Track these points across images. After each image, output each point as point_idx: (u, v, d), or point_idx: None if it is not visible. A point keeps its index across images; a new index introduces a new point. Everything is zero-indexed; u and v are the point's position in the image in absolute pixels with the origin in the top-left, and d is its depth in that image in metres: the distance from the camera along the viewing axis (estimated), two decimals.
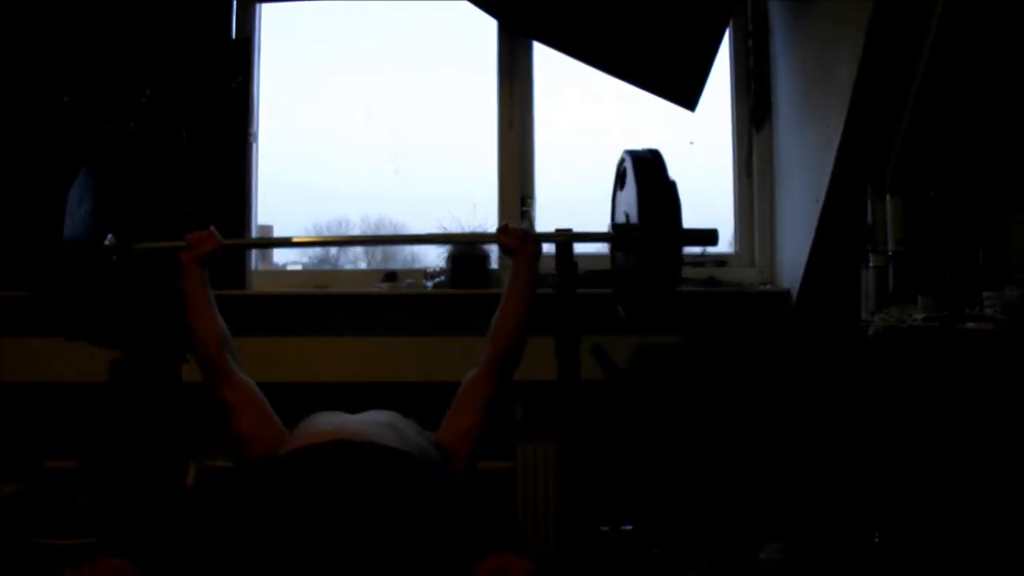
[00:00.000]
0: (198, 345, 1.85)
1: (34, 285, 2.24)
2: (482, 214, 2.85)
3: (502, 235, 1.99)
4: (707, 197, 2.97)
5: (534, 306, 1.92)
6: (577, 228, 2.36)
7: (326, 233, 3.15)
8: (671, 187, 1.81)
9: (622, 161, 1.97)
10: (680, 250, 1.84)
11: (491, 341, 1.91)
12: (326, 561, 1.37)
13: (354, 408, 1.88)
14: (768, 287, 2.79)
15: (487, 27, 2.90)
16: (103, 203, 1.94)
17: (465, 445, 1.80)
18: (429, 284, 2.80)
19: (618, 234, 2.01)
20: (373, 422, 1.77)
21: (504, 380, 1.89)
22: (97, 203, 1.92)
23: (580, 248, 2.38)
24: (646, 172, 1.82)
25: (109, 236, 1.95)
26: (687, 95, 2.73)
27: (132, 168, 2.70)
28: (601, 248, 2.99)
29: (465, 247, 2.78)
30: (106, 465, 2.37)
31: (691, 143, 2.93)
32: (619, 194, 2.04)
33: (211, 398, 1.83)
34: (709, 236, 1.94)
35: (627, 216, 1.93)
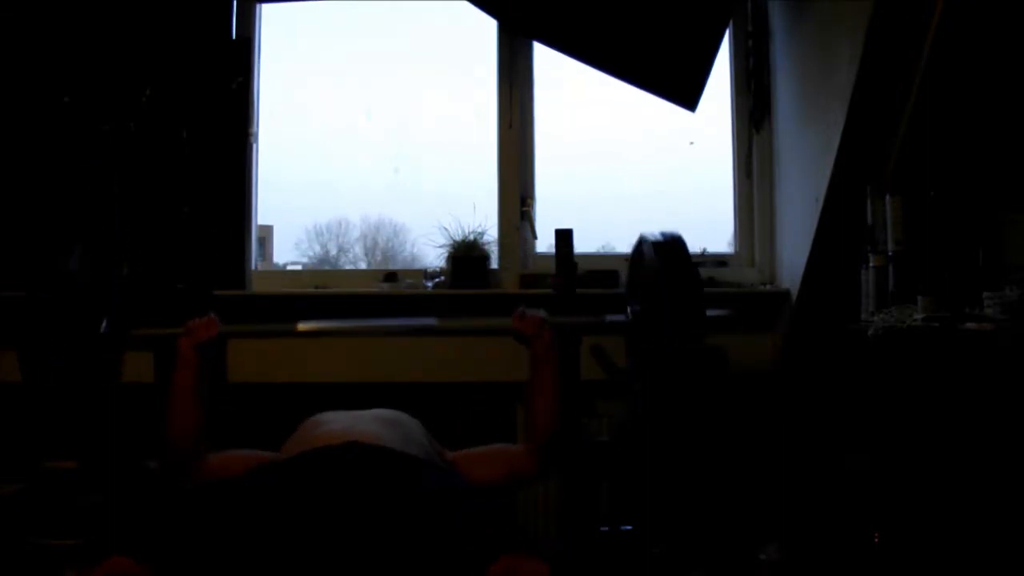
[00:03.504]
0: (171, 444, 1.76)
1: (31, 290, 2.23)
2: (482, 214, 2.85)
3: (518, 322, 1.90)
4: (707, 197, 2.97)
5: (562, 391, 1.85)
6: (577, 229, 2.37)
7: (326, 234, 3.16)
8: (693, 274, 1.77)
9: (639, 243, 1.93)
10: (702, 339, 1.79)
11: (529, 438, 1.85)
12: (336, 562, 1.37)
13: (354, 409, 1.88)
14: (768, 287, 2.79)
15: (487, 27, 2.90)
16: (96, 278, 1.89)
17: (473, 477, 1.76)
18: (429, 284, 2.80)
19: (636, 323, 1.98)
20: (379, 421, 1.77)
21: (544, 465, 1.83)
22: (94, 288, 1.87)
23: (580, 248, 2.40)
24: (669, 262, 1.77)
25: (104, 323, 1.89)
26: (687, 95, 2.73)
27: (133, 168, 2.70)
28: (601, 248, 3.01)
29: (464, 247, 2.78)
30: (108, 464, 2.37)
31: (691, 143, 2.93)
32: (635, 276, 2.00)
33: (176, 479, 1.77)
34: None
35: (643, 304, 1.89)
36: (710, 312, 1.81)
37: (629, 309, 2.03)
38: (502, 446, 1.88)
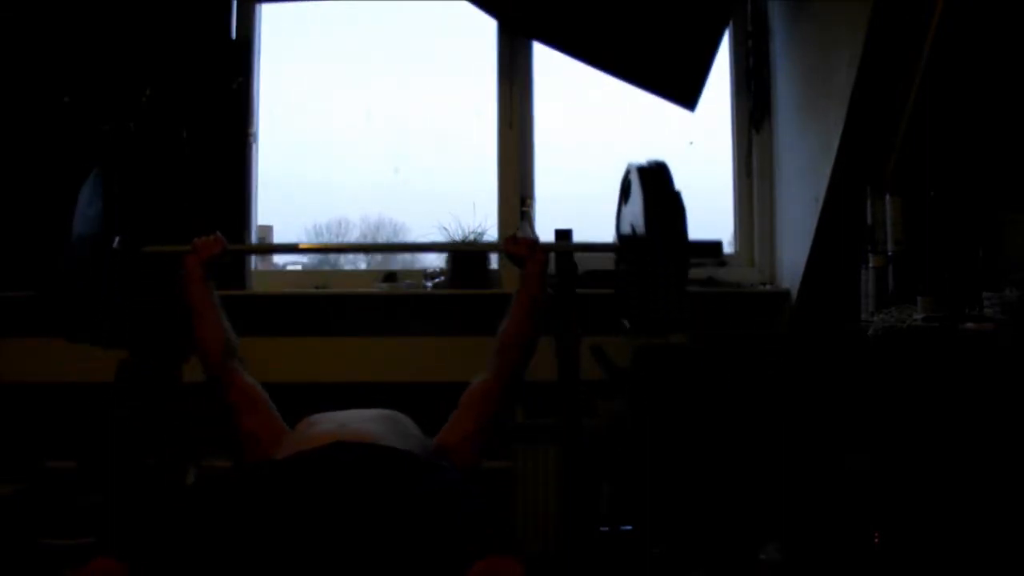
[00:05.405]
0: (201, 352, 1.85)
1: (37, 286, 2.24)
2: (482, 214, 2.85)
3: (510, 244, 1.96)
4: (707, 197, 2.97)
5: (544, 315, 1.91)
6: (577, 228, 2.36)
7: (326, 234, 3.15)
8: (677, 197, 1.81)
9: (627, 173, 1.96)
10: (686, 261, 1.83)
11: (499, 352, 1.88)
12: (319, 563, 1.37)
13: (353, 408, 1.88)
14: (768, 287, 2.79)
15: (487, 27, 2.90)
16: (113, 205, 1.95)
17: (466, 450, 1.78)
18: (429, 284, 2.80)
19: (623, 245, 2.00)
20: (372, 418, 1.77)
21: (512, 390, 1.87)
22: (107, 205, 1.93)
23: None
24: (652, 182, 1.82)
25: (117, 239, 1.95)
26: (687, 95, 2.73)
27: (133, 168, 2.70)
28: None
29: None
30: (106, 466, 2.37)
31: (691, 143, 2.93)
32: (624, 207, 2.03)
33: (214, 398, 1.84)
34: (714, 249, 1.94)
35: (632, 228, 1.92)
36: (693, 240, 1.85)
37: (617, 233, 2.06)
38: (466, 393, 1.88)
